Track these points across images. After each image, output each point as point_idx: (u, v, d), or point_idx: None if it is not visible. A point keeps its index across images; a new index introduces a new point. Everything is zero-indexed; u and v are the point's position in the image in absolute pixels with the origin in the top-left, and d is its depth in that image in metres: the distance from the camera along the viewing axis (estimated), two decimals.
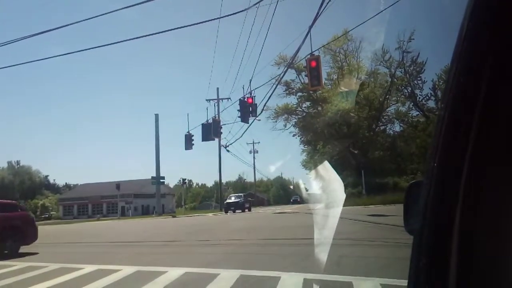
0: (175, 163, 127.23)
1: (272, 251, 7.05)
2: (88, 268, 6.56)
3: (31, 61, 30.56)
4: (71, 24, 13.67)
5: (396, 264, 5.49)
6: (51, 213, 67.22)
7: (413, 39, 36.14)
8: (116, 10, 13.82)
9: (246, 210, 38.86)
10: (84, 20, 15.04)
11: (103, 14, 14.43)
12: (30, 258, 8.28)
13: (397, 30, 50.38)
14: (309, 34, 14.98)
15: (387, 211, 15.29)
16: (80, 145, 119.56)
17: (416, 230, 1.07)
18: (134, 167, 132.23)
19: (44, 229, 25.58)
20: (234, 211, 36.75)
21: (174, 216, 36.55)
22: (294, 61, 27.39)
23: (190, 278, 5.47)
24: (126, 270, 6.17)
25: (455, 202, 0.92)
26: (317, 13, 12.38)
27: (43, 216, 63.79)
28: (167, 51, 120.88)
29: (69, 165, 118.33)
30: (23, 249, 10.08)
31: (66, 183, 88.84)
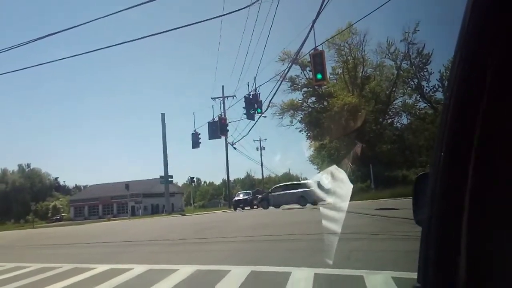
0: (183, 161, 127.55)
1: (281, 247, 7.09)
2: (101, 268, 6.66)
3: (41, 64, 30.72)
4: (79, 25, 13.76)
5: (406, 257, 5.48)
6: (62, 214, 67.90)
7: (418, 30, 35.80)
8: (118, 12, 13.89)
9: (255, 206, 38.89)
10: (91, 21, 15.14)
11: (108, 15, 14.51)
12: (45, 259, 8.39)
13: (402, 22, 49.72)
14: (312, 29, 14.94)
15: (396, 204, 15.23)
16: (88, 146, 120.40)
17: (424, 221, 1.07)
18: (142, 167, 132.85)
19: (56, 231, 25.90)
20: (242, 208, 36.78)
21: (183, 215, 36.75)
22: (298, 57, 27.32)
23: (202, 275, 5.52)
24: (138, 269, 6.25)
25: (463, 192, 0.92)
26: (320, 7, 12.35)
27: (54, 218, 64.52)
28: (171, 50, 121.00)
29: (78, 167, 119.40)
30: (37, 250, 10.26)
31: (76, 184, 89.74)
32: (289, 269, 5.20)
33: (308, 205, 26.58)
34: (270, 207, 31.11)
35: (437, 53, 36.44)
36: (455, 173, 0.96)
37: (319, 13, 12.58)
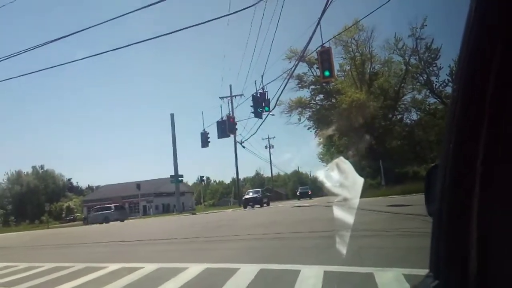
0: (193, 161, 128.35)
1: (291, 245, 7.08)
2: (112, 267, 6.72)
3: (54, 66, 31.12)
4: (92, 26, 13.90)
5: (416, 253, 5.44)
6: (76, 214, 68.72)
7: (426, 25, 35.54)
8: (125, 14, 14.00)
9: (265, 205, 38.89)
10: (101, 23, 15.26)
11: (115, 18, 14.62)
12: (57, 259, 8.50)
13: (409, 17, 49.35)
14: (319, 26, 14.89)
15: (407, 201, 15.13)
16: (100, 147, 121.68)
17: (435, 213, 1.09)
18: (153, 167, 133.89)
19: (69, 231, 26.23)
20: (252, 206, 36.83)
21: (194, 213, 36.97)
22: (305, 54, 27.23)
23: (211, 273, 5.54)
24: (149, 267, 6.29)
25: (472, 185, 0.92)
26: (326, 4, 12.30)
27: (68, 218, 65.38)
28: (178, 51, 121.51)
29: (91, 168, 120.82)
30: (50, 249, 10.38)
31: (88, 185, 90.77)
32: (299, 267, 5.20)
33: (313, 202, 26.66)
34: (279, 205, 31.16)
35: (446, 48, 36.06)
36: (463, 166, 0.96)
37: (324, 10, 12.56)
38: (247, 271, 5.32)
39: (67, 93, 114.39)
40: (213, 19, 14.34)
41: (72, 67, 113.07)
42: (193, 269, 5.77)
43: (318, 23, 13.65)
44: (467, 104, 0.96)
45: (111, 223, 33.44)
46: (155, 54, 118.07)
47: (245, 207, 37.25)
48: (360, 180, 7.89)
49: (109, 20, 14.84)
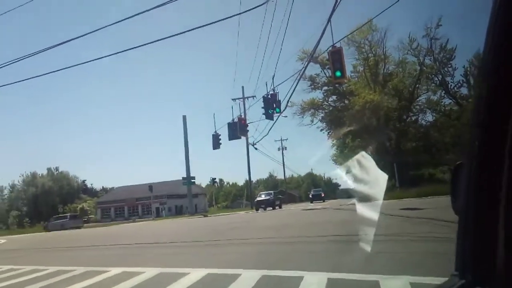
0: (206, 163, 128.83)
1: (298, 250, 6.86)
2: (114, 271, 6.60)
3: (69, 67, 31.57)
4: (103, 27, 13.98)
5: (427, 260, 5.18)
6: (90, 216, 69.49)
7: (441, 25, 35.00)
8: (124, 19, 14.00)
9: (277, 207, 38.69)
10: (111, 24, 15.31)
11: (122, 20, 14.63)
12: (62, 262, 8.44)
13: (424, 17, 48.78)
14: (329, 25, 14.63)
15: (421, 204, 14.76)
16: (115, 150, 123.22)
17: (461, 211, 1.09)
18: (167, 169, 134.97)
19: (80, 233, 26.43)
20: (265, 209, 36.67)
21: (206, 216, 36.91)
22: (317, 55, 26.90)
23: (211, 279, 5.37)
24: (150, 272, 6.15)
25: (498, 183, 0.91)
26: (335, 3, 12.05)
27: (82, 220, 66.22)
28: (190, 52, 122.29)
29: (105, 170, 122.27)
30: (57, 252, 10.35)
31: (103, 186, 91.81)
32: (302, 273, 4.98)
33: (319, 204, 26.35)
34: (291, 208, 30.91)
35: (461, 48, 35.49)
36: (489, 164, 0.95)
37: (333, 9, 12.30)
38: (249, 277, 5.13)
39: (82, 94, 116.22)
40: (223, 19, 14.14)
41: (88, 68, 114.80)
42: (194, 275, 5.61)
43: (328, 21, 13.40)
44: (491, 101, 0.95)
45: (124, 224, 33.88)
46: (168, 55, 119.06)
47: (257, 210, 37.11)
48: (378, 183, 7.46)
49: (128, 18, 14.85)
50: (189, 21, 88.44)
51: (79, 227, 39.65)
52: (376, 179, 7.50)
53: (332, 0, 12.44)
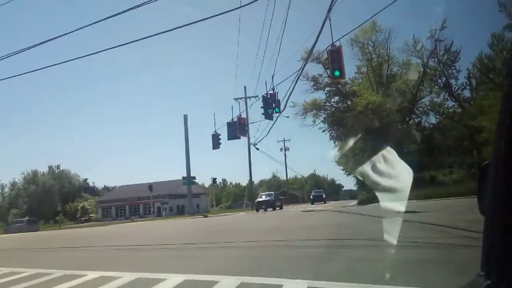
0: (210, 162, 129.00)
1: (282, 255, 6.57)
2: (91, 275, 6.36)
3: (66, 61, 31.55)
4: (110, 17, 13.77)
5: (416, 268, 4.89)
6: (91, 215, 69.43)
7: (446, 27, 34.74)
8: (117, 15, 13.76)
9: (277, 208, 38.45)
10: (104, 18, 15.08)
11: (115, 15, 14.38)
12: (42, 264, 8.20)
13: (428, 19, 48.62)
14: (329, 24, 14.33)
15: (420, 207, 14.42)
16: (118, 148, 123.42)
17: (487, 212, 1.08)
18: (170, 168, 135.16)
19: (73, 233, 26.22)
20: (265, 210, 36.46)
21: (205, 216, 36.67)
22: (320, 55, 26.60)
23: (189, 286, 5.13)
24: (127, 277, 5.90)
25: None
26: (332, 1, 11.76)
27: (83, 219, 66.06)
28: (190, 51, 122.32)
29: (108, 169, 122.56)
30: (41, 253, 10.10)
31: (105, 185, 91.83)
32: (282, 281, 4.72)
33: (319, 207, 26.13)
34: (291, 209, 30.68)
35: (465, 50, 35.29)
36: None
37: (330, 7, 12.00)
38: (226, 284, 4.88)
39: (86, 93, 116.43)
40: (223, 12, 13.69)
41: (92, 67, 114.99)
42: (172, 281, 5.35)
43: (325, 20, 13.11)
44: None
45: (122, 224, 33.72)
46: (170, 54, 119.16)
47: (257, 210, 36.87)
48: (409, 173, 6.91)
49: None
50: (192, 17, 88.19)
51: (35, 231, 40.82)
52: (401, 175, 7.04)
53: None
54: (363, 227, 9.91)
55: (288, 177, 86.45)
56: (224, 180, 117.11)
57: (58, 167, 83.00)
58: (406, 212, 13.15)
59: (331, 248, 6.73)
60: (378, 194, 7.94)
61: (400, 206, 6.79)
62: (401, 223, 9.61)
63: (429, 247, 6.11)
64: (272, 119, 24.87)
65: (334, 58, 15.46)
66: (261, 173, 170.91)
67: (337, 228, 10.49)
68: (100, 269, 6.70)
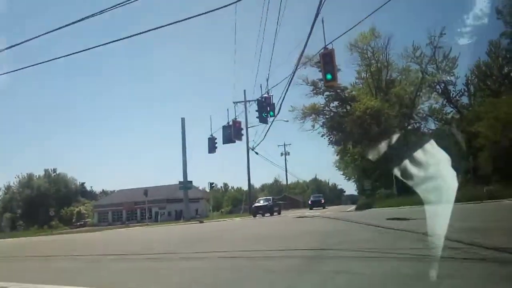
0: (210, 166, 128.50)
1: (257, 267, 6.09)
2: None
3: (63, 56, 31.16)
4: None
5: (398, 283, 4.42)
6: (86, 220, 68.87)
7: (445, 33, 35.00)
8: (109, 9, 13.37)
9: (275, 213, 38.04)
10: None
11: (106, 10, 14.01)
12: (5, 276, 7.68)
13: (427, 26, 48.77)
14: (322, 26, 13.99)
15: (411, 213, 14.01)
16: (117, 152, 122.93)
17: None
18: (169, 172, 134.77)
19: (59, 239, 25.57)
20: (263, 215, 36.06)
21: (201, 222, 36.15)
22: (313, 58, 26.21)
23: None
24: None
25: None
26: (320, 4, 11.39)
27: (78, 223, 65.36)
28: (188, 54, 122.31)
29: (106, 173, 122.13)
30: (16, 262, 9.56)
31: (103, 189, 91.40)
32: None
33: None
34: (289, 214, 30.12)
35: (463, 57, 35.50)
36: None
37: (319, 8, 11.62)
38: None
39: (84, 97, 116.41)
40: (218, 8, 13.25)
41: (89, 70, 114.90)
42: None
43: (315, 20, 12.73)
44: None
45: (115, 230, 33.20)
46: (166, 56, 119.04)
47: (254, 216, 36.47)
48: (453, 175, 6.24)
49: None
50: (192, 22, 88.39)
51: None
52: (444, 176, 6.36)
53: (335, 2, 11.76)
54: (345, 236, 9.50)
55: (290, 181, 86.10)
56: (225, 184, 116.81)
57: (54, 170, 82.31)
58: (396, 219, 12.75)
59: (308, 260, 6.27)
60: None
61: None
62: (395, 232, 9.16)
63: (406, 259, 5.61)
64: (267, 123, 24.57)
65: (326, 61, 15.21)
66: (263, 178, 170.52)
67: (323, 236, 10.06)
68: (60, 282, 6.15)
